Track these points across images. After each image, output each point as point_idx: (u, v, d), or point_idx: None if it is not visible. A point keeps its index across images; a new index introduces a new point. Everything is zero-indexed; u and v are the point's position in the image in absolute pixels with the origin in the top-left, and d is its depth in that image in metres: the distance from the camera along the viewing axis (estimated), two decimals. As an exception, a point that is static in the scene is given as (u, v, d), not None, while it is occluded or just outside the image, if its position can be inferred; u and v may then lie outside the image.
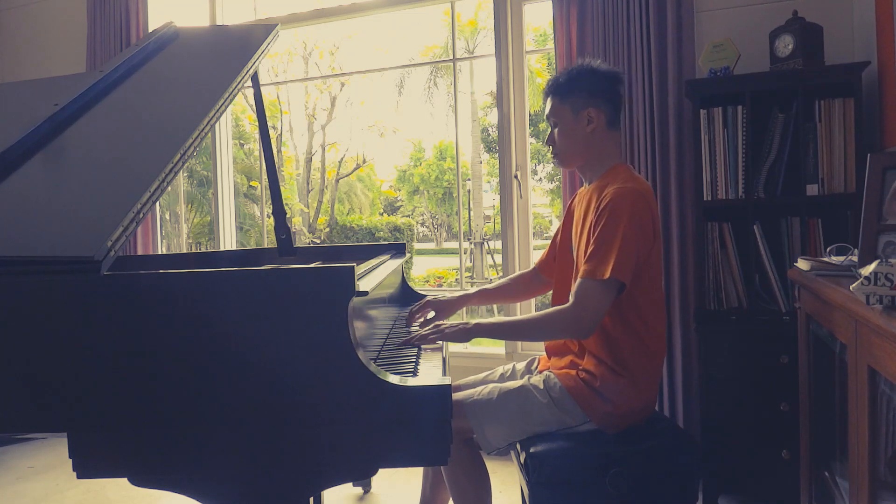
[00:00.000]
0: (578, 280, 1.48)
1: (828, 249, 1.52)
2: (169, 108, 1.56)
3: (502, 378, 1.81)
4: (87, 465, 1.12)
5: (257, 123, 2.11)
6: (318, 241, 18.87)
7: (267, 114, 2.15)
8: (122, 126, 1.52)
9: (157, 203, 1.38)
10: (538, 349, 2.12)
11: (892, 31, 1.96)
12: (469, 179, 18.31)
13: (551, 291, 1.84)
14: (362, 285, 1.18)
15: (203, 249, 13.36)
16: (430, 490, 1.80)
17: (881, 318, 0.90)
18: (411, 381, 1.12)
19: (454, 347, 2.85)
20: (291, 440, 1.09)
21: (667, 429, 1.61)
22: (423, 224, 24.24)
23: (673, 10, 2.35)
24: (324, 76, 24.06)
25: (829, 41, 2.16)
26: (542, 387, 1.57)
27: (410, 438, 1.10)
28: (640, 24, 2.39)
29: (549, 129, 1.69)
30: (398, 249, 2.29)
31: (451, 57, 3.88)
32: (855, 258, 1.28)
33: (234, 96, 1.58)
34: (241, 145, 17.31)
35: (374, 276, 1.45)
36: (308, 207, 20.31)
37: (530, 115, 2.93)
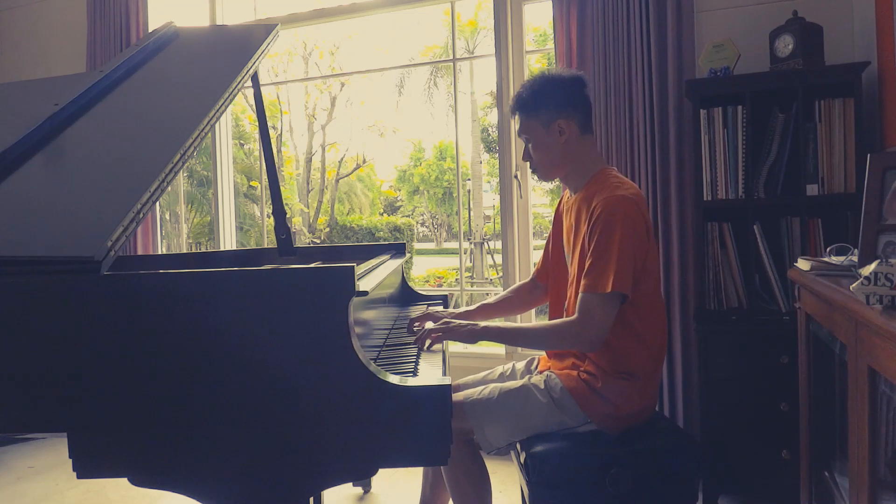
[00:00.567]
0: (580, 294, 1.48)
1: (828, 249, 1.52)
2: (169, 108, 1.56)
3: (502, 378, 1.80)
4: (87, 465, 1.12)
5: (257, 123, 2.11)
6: (318, 241, 18.87)
7: (267, 114, 2.15)
8: (122, 126, 1.52)
9: (157, 203, 1.38)
10: (538, 349, 2.11)
11: (892, 31, 1.96)
12: (469, 179, 18.31)
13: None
14: (362, 285, 1.18)
15: (203, 249, 13.37)
16: (429, 490, 1.80)
17: (881, 318, 0.90)
18: (411, 381, 1.12)
19: (454, 347, 2.85)
20: (291, 440, 1.09)
21: (667, 429, 1.61)
22: (423, 224, 24.24)
23: (673, 10, 2.35)
24: (324, 76, 24.06)
25: (829, 41, 2.16)
26: (542, 387, 1.57)
27: (410, 438, 1.10)
28: (640, 24, 2.39)
29: (525, 146, 1.67)
30: (398, 249, 2.29)
31: (451, 57, 3.88)
32: (855, 258, 1.28)
33: (234, 96, 1.59)
34: (241, 145, 17.31)
35: (374, 276, 1.45)
36: (308, 207, 20.31)
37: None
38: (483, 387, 1.62)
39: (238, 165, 15.71)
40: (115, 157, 1.39)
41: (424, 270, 17.38)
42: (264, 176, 2.20)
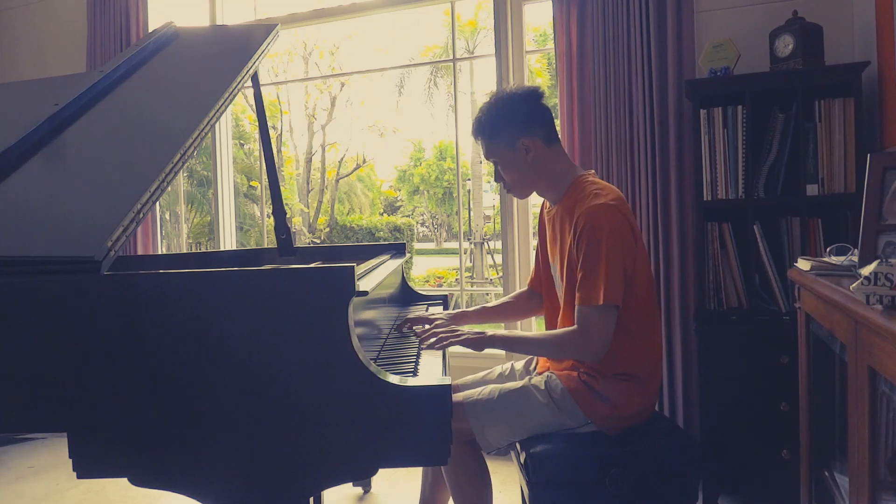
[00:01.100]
0: (577, 307, 1.48)
1: (828, 249, 1.52)
2: (169, 108, 1.56)
3: (501, 378, 1.80)
4: (87, 465, 1.11)
5: (257, 123, 2.11)
6: (318, 241, 18.87)
7: (267, 114, 2.15)
8: (122, 126, 1.52)
9: (157, 203, 1.38)
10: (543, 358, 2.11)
11: (892, 31, 1.96)
12: (469, 179, 18.31)
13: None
14: (362, 285, 1.18)
15: (203, 249, 13.37)
16: (429, 490, 1.80)
17: (881, 318, 0.90)
18: (411, 381, 1.12)
19: (454, 347, 2.85)
20: (291, 440, 1.09)
21: (667, 429, 1.61)
22: (423, 224, 24.24)
23: (673, 10, 2.35)
24: (324, 76, 24.06)
25: (829, 41, 2.16)
26: (543, 387, 1.57)
27: (410, 438, 1.10)
28: (640, 24, 2.39)
29: (495, 168, 1.66)
30: (398, 249, 2.29)
31: (451, 57, 3.88)
32: (855, 258, 1.28)
33: (234, 96, 1.58)
34: (241, 145, 17.31)
35: (374, 276, 1.45)
36: (308, 207, 20.31)
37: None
38: (483, 387, 1.62)
39: (238, 165, 15.71)
40: (114, 157, 1.39)
41: (424, 270, 17.38)
42: (264, 176, 2.20)
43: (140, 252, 3.25)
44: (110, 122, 1.53)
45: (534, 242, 2.87)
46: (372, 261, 1.76)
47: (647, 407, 1.58)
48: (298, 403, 1.09)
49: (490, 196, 18.65)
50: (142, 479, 1.13)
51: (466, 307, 2.11)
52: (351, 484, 2.44)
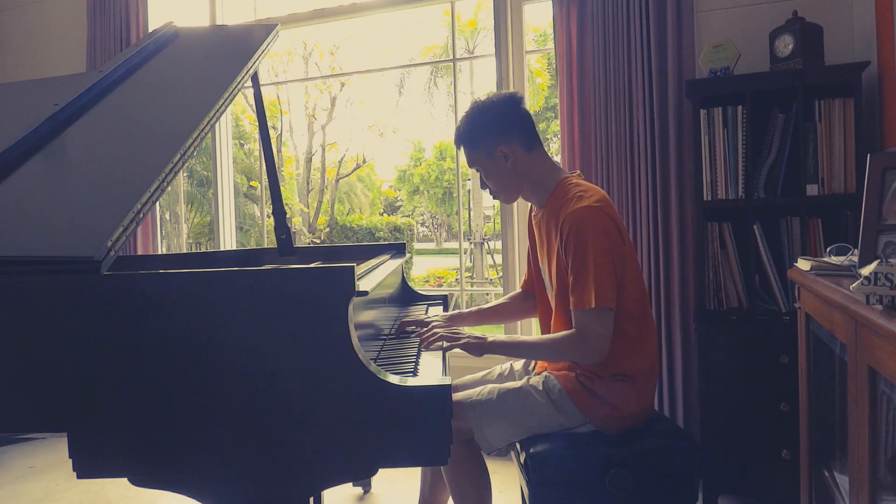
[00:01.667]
0: (573, 312, 1.49)
1: (828, 249, 1.52)
2: (169, 108, 1.56)
3: (500, 378, 1.80)
4: (87, 465, 1.11)
5: (257, 123, 2.11)
6: (318, 241, 18.87)
7: (267, 114, 2.15)
8: (122, 126, 1.52)
9: (157, 203, 1.38)
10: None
11: (892, 31, 1.96)
12: (469, 179, 18.29)
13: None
14: (362, 285, 1.18)
15: (203, 249, 13.36)
16: (428, 490, 1.80)
17: (881, 318, 0.90)
18: (411, 381, 1.12)
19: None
20: (291, 440, 1.09)
21: (667, 429, 1.61)
22: (423, 224, 24.25)
23: (673, 10, 2.35)
24: (324, 76, 24.06)
25: (829, 41, 2.16)
26: (541, 388, 1.57)
27: (410, 438, 1.10)
28: (640, 24, 2.39)
29: (479, 175, 1.69)
30: (398, 249, 2.29)
31: (451, 57, 3.88)
32: (855, 258, 1.28)
33: (234, 96, 1.58)
34: (241, 145, 17.31)
35: (374, 276, 1.45)
36: (308, 207, 20.31)
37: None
38: (482, 387, 1.62)
39: (238, 165, 15.71)
40: (115, 157, 1.39)
41: (424, 270, 17.38)
42: (264, 176, 2.20)
43: (140, 252, 3.25)
44: (110, 122, 1.53)
45: (534, 242, 2.87)
46: (372, 261, 1.76)
47: (644, 407, 1.58)
48: (298, 403, 1.09)
49: (490, 196, 18.63)
50: (142, 479, 1.13)
51: (466, 307, 2.10)
52: (351, 484, 2.44)
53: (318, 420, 1.09)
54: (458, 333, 1.59)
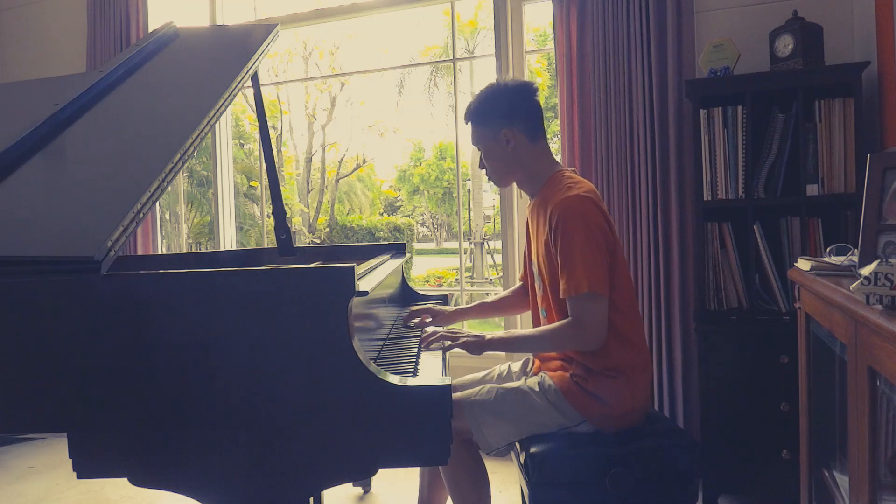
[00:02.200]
0: (567, 300, 1.50)
1: (828, 249, 1.52)
2: (169, 108, 1.56)
3: (499, 379, 1.81)
4: (87, 465, 1.11)
5: (257, 123, 2.11)
6: (318, 241, 18.87)
7: (267, 114, 2.15)
8: (122, 126, 1.52)
9: (157, 203, 1.38)
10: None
11: (892, 31, 1.96)
12: (469, 179, 18.30)
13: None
14: (362, 285, 1.18)
15: (203, 249, 13.36)
16: (427, 490, 1.80)
17: (881, 318, 0.90)
18: (411, 381, 1.12)
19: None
20: (291, 440, 1.09)
21: (667, 429, 1.61)
22: (423, 224, 24.24)
23: (673, 10, 2.35)
24: (324, 76, 24.05)
25: (829, 41, 2.16)
26: (537, 388, 1.58)
27: (410, 438, 1.10)
28: (640, 24, 2.39)
29: (480, 155, 1.72)
30: (398, 249, 2.29)
31: (451, 57, 3.87)
32: (855, 258, 1.27)
33: (234, 96, 1.58)
34: (241, 145, 17.31)
35: (374, 276, 1.45)
36: (308, 207, 20.30)
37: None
38: (481, 386, 1.63)
39: (238, 165, 15.71)
40: (115, 157, 1.39)
41: (424, 270, 17.38)
42: (264, 176, 2.20)
43: (140, 252, 3.25)
44: (110, 122, 1.53)
45: (534, 242, 2.87)
46: (372, 261, 1.77)
47: (640, 404, 1.58)
48: (298, 403, 1.09)
49: (490, 196, 18.63)
50: (142, 479, 1.12)
51: (463, 305, 2.12)
52: (351, 484, 2.44)
53: (317, 420, 1.09)
54: (457, 333, 1.61)
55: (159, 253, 3.40)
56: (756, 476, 2.10)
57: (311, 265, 1.20)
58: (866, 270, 0.95)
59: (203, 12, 3.40)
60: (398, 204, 24.27)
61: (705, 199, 2.17)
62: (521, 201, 2.83)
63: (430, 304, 1.93)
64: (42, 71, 3.50)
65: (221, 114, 1.49)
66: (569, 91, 2.55)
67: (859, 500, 1.07)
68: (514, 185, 2.59)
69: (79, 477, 1.11)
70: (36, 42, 3.59)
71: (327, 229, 19.97)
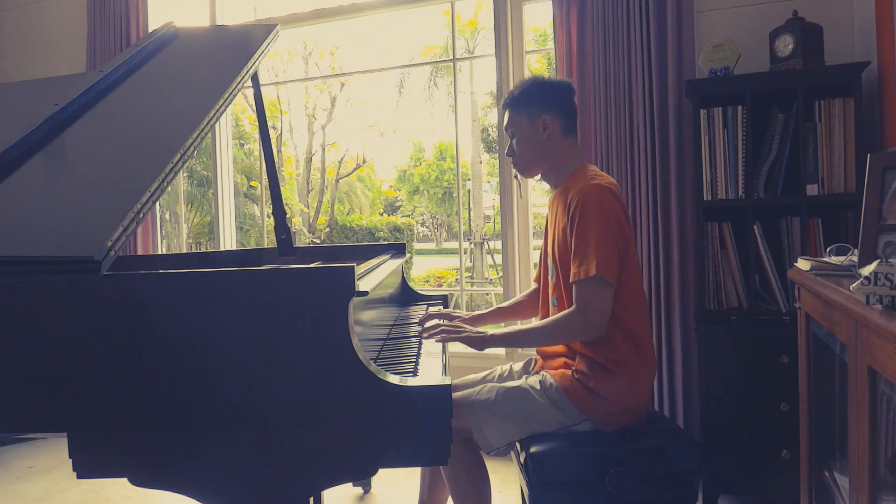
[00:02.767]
0: (573, 286, 1.51)
1: (828, 249, 1.52)
2: (169, 108, 1.56)
3: (501, 379, 1.81)
4: (87, 465, 1.11)
5: (257, 123, 2.11)
6: (318, 241, 18.87)
7: (267, 114, 2.15)
8: (122, 126, 1.52)
9: (157, 203, 1.38)
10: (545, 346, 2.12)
11: (892, 31, 1.96)
12: (469, 179, 18.30)
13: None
14: (362, 285, 1.18)
15: (203, 249, 13.36)
16: (428, 490, 1.80)
17: (881, 318, 0.90)
18: (411, 381, 1.12)
19: (454, 347, 2.85)
20: (291, 440, 1.09)
21: (667, 429, 1.61)
22: (423, 224, 24.24)
23: (673, 10, 2.35)
24: (324, 76, 24.07)
25: (829, 41, 2.16)
26: (538, 387, 1.58)
27: (411, 438, 1.10)
28: (640, 24, 2.39)
29: (509, 141, 1.73)
30: (398, 249, 2.29)
31: (451, 57, 3.88)
32: (855, 258, 1.27)
33: (234, 96, 1.58)
34: (241, 145, 17.31)
35: (374, 276, 1.45)
36: (308, 207, 20.30)
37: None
38: (481, 386, 1.63)
39: (238, 165, 15.71)
40: (115, 157, 1.39)
41: (424, 270, 17.38)
42: (264, 176, 2.20)
43: (140, 252, 3.25)
44: (110, 121, 1.53)
45: (534, 242, 2.88)
46: (372, 261, 1.77)
47: (640, 403, 1.58)
48: (298, 403, 1.09)
49: (490, 196, 18.64)
50: (142, 479, 1.12)
51: (466, 307, 2.11)
52: (351, 484, 2.44)
53: (317, 420, 1.09)
54: (459, 327, 1.61)
55: (159, 253, 3.40)
56: (756, 476, 2.10)
57: (311, 265, 1.20)
58: (866, 270, 0.95)
59: (203, 12, 3.40)
60: (398, 204, 24.28)
61: (705, 199, 2.17)
62: (522, 201, 2.83)
63: (447, 310, 1.93)
64: (42, 71, 3.50)
65: (221, 114, 1.49)
66: (569, 91, 2.55)
67: (859, 500, 1.07)
68: (524, 182, 2.59)
69: (79, 477, 1.11)
70: (36, 42, 3.59)
71: (327, 229, 19.97)
